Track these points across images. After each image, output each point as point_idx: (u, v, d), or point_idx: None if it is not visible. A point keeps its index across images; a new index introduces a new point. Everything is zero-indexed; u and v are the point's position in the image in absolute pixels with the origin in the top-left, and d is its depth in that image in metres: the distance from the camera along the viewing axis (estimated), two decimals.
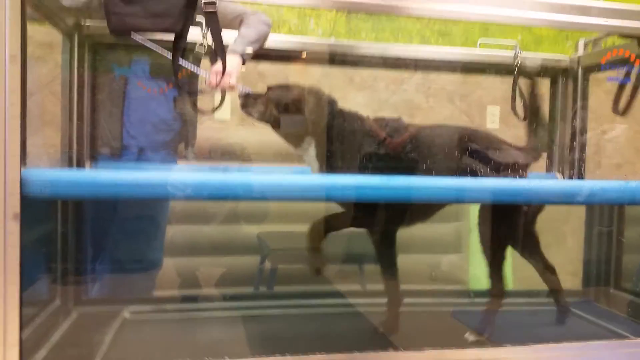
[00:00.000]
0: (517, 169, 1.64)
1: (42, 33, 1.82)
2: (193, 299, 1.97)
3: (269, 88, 1.60)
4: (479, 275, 2.32)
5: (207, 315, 1.80)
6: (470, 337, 1.61)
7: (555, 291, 1.81)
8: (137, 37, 1.51)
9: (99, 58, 1.82)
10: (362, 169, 1.55)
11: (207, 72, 1.66)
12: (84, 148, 1.79)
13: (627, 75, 1.65)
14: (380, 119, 1.62)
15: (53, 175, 1.18)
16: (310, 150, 1.56)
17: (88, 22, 1.75)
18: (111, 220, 1.92)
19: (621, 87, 1.67)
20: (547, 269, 1.78)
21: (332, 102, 1.58)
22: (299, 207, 2.27)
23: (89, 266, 1.88)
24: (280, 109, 1.55)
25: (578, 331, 1.79)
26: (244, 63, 1.73)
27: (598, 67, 2.08)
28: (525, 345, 1.44)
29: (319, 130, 1.55)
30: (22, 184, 1.09)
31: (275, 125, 1.57)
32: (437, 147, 1.62)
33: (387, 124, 1.60)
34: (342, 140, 1.56)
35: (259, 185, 1.25)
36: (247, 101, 1.59)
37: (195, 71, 1.63)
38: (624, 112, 1.65)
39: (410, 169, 1.57)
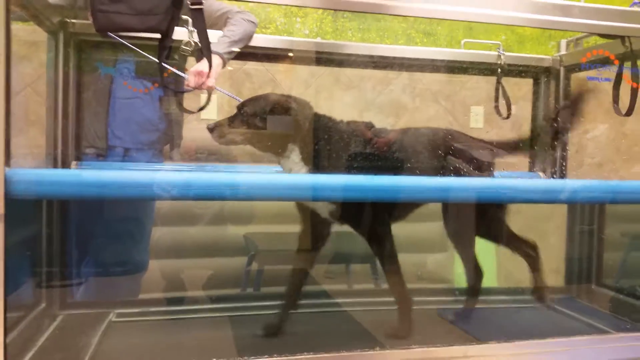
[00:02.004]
0: (481, 166, 1.65)
1: (27, 32, 1.80)
2: (179, 301, 1.96)
3: (238, 107, 1.56)
4: (463, 274, 2.35)
5: (193, 317, 1.78)
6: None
7: (535, 271, 1.80)
8: (116, 37, 1.49)
9: (84, 57, 1.80)
10: (345, 169, 1.55)
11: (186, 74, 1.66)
12: (69, 148, 1.76)
13: (619, 76, 1.66)
14: (353, 122, 1.63)
15: (38, 174, 1.16)
16: (294, 156, 1.53)
17: (73, 21, 1.73)
18: (96, 223, 1.90)
19: (617, 87, 1.67)
20: (528, 247, 1.79)
21: (306, 106, 1.57)
22: (286, 208, 2.27)
23: (75, 269, 1.86)
24: (255, 125, 1.52)
25: (561, 327, 1.82)
26: (224, 64, 1.72)
27: (579, 67, 2.11)
28: (510, 341, 1.46)
29: (299, 135, 1.53)
30: (7, 184, 1.07)
31: (256, 143, 1.54)
32: (410, 148, 1.64)
33: (358, 128, 1.61)
34: (323, 142, 1.55)
35: (248, 185, 1.25)
36: (219, 131, 1.53)
37: (175, 72, 1.62)
38: (629, 114, 1.63)
39: (387, 169, 1.59)
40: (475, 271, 1.77)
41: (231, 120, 1.54)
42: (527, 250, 1.77)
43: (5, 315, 1.08)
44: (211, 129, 1.53)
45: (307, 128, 1.54)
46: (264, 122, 1.53)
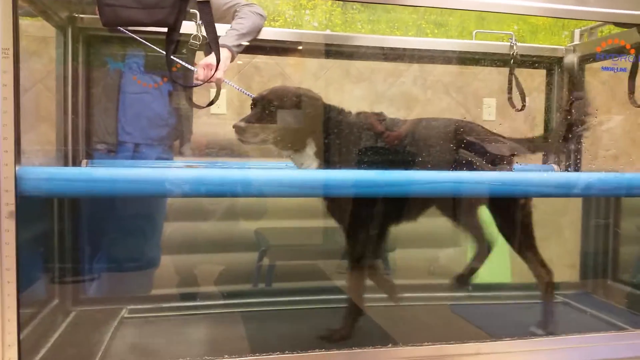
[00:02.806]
0: (500, 161, 1.62)
1: (36, 27, 1.79)
2: (191, 296, 1.96)
3: (257, 102, 1.50)
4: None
5: (205, 312, 1.79)
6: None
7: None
8: (125, 31, 1.49)
9: (93, 52, 1.80)
10: (359, 163, 1.52)
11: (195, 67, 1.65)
12: (80, 144, 1.76)
13: (635, 66, 1.63)
14: (363, 113, 1.60)
15: (48, 172, 1.16)
16: (308, 150, 1.51)
17: (81, 15, 1.73)
18: (108, 219, 1.90)
19: (632, 77, 1.64)
20: (542, 270, 1.77)
21: (319, 98, 1.55)
22: (297, 203, 2.26)
23: (87, 265, 1.86)
24: (281, 121, 1.48)
25: (576, 323, 1.79)
26: (233, 57, 1.72)
27: (594, 57, 2.08)
28: (523, 338, 1.45)
29: (317, 128, 1.51)
30: (17, 181, 1.07)
31: (279, 139, 1.48)
32: (427, 140, 1.60)
33: (370, 119, 1.58)
34: (337, 135, 1.53)
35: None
36: (251, 130, 1.46)
37: (184, 65, 1.61)
38: None
39: (399, 163, 1.56)
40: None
41: (257, 118, 1.47)
42: (540, 272, 1.73)
43: (19, 311, 1.08)
44: (242, 129, 1.45)
45: (322, 121, 1.52)
46: (289, 116, 1.50)
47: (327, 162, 1.51)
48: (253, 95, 1.62)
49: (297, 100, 1.50)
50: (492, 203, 1.66)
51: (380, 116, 1.59)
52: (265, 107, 1.48)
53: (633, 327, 1.67)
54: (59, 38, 1.71)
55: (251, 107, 1.52)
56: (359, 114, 1.59)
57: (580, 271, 2.13)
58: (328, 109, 1.54)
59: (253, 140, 1.46)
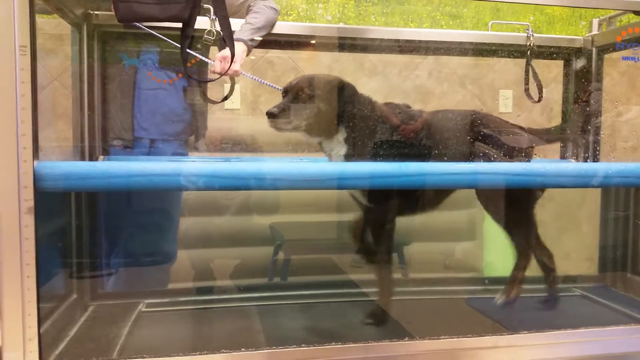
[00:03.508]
0: (518, 152, 1.60)
1: (51, 25, 1.81)
2: (208, 290, 1.97)
3: (289, 91, 1.49)
4: (493, 262, 2.31)
5: (221, 306, 1.80)
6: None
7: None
8: (142, 27, 1.49)
9: (108, 49, 1.81)
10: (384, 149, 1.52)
11: (211, 60, 1.65)
12: (96, 140, 1.78)
13: None
14: (390, 104, 1.60)
15: (66, 167, 1.17)
16: (339, 136, 1.51)
17: (96, 12, 1.74)
18: (125, 214, 1.92)
19: None
20: (543, 255, 1.77)
21: (351, 85, 1.54)
22: (311, 197, 2.26)
23: (104, 260, 1.89)
24: (315, 108, 1.47)
25: (595, 317, 1.77)
26: (249, 51, 1.72)
27: (613, 47, 2.04)
28: (541, 331, 1.43)
29: (347, 114, 1.50)
30: (36, 177, 1.08)
31: (312, 126, 1.48)
32: (443, 133, 1.59)
33: (399, 110, 1.58)
34: (366, 123, 1.53)
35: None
36: (285, 117, 1.45)
37: (201, 58, 1.61)
38: None
39: (422, 155, 1.55)
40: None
41: (289, 105, 1.47)
42: (542, 257, 1.74)
43: (39, 306, 1.10)
44: (275, 115, 1.44)
45: (354, 107, 1.52)
46: (323, 104, 1.49)
47: (354, 147, 1.52)
48: (275, 86, 1.63)
49: (329, 87, 1.51)
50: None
51: (400, 108, 1.59)
52: (298, 95, 1.47)
53: None
54: (74, 35, 1.72)
55: (283, 96, 1.52)
56: (386, 104, 1.59)
57: (599, 264, 2.10)
58: (359, 96, 1.55)
59: (286, 127, 1.46)
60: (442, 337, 1.36)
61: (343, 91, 1.50)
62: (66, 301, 1.62)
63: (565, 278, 1.90)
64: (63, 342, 1.40)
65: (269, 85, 1.69)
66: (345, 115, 1.50)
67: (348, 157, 1.52)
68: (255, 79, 1.73)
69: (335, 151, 1.53)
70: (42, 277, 1.10)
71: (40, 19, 1.11)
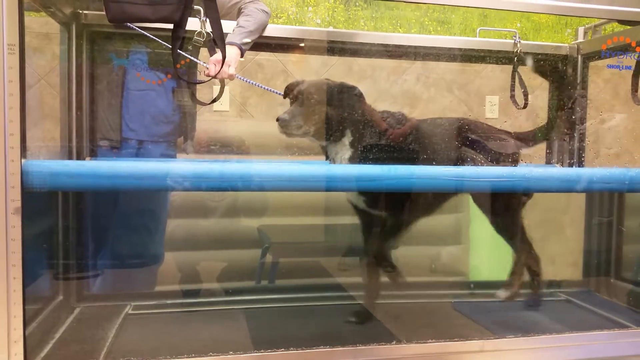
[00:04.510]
0: (504, 157, 1.64)
1: (39, 23, 1.79)
2: (195, 293, 1.96)
3: (298, 96, 1.52)
4: (479, 266, 2.33)
5: (209, 309, 1.79)
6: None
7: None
8: (133, 27, 1.49)
9: (97, 48, 1.79)
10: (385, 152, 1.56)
11: (205, 62, 1.64)
12: (84, 141, 1.76)
13: (639, 64, 1.64)
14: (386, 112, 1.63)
15: (54, 166, 1.16)
16: (345, 140, 1.54)
17: (85, 12, 1.72)
18: (112, 215, 1.90)
19: (636, 75, 1.65)
20: (530, 259, 1.79)
21: (356, 90, 1.57)
22: (299, 200, 2.26)
23: (91, 262, 1.87)
24: (324, 113, 1.50)
25: (579, 321, 1.80)
26: (242, 54, 1.71)
27: (598, 55, 2.07)
28: (526, 336, 1.45)
29: (353, 119, 1.54)
30: (23, 176, 1.07)
31: (321, 130, 1.52)
32: (430, 139, 1.62)
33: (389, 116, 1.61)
34: (366, 125, 1.56)
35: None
36: (296, 122, 1.47)
37: (194, 61, 1.61)
38: None
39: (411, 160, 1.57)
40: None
41: (299, 111, 1.49)
42: (529, 261, 1.77)
43: (24, 306, 1.08)
44: (287, 120, 1.46)
45: (359, 111, 1.55)
46: (332, 108, 1.52)
47: (358, 150, 1.55)
48: (276, 91, 1.65)
49: (337, 92, 1.54)
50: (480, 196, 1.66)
51: (395, 116, 1.62)
52: (307, 101, 1.50)
53: (636, 325, 1.67)
54: (63, 34, 1.71)
55: (290, 102, 1.54)
56: (383, 112, 1.63)
57: (583, 269, 2.13)
58: (363, 99, 1.58)
59: (296, 132, 1.49)
60: (429, 341, 1.37)
61: (351, 95, 1.54)
62: (52, 303, 1.61)
63: (550, 282, 1.93)
64: (49, 345, 1.39)
65: (269, 90, 1.70)
66: (352, 119, 1.53)
67: (352, 160, 1.53)
68: (254, 84, 1.73)
69: (340, 154, 1.56)
70: (29, 277, 1.09)
71: (27, 18, 1.10)
